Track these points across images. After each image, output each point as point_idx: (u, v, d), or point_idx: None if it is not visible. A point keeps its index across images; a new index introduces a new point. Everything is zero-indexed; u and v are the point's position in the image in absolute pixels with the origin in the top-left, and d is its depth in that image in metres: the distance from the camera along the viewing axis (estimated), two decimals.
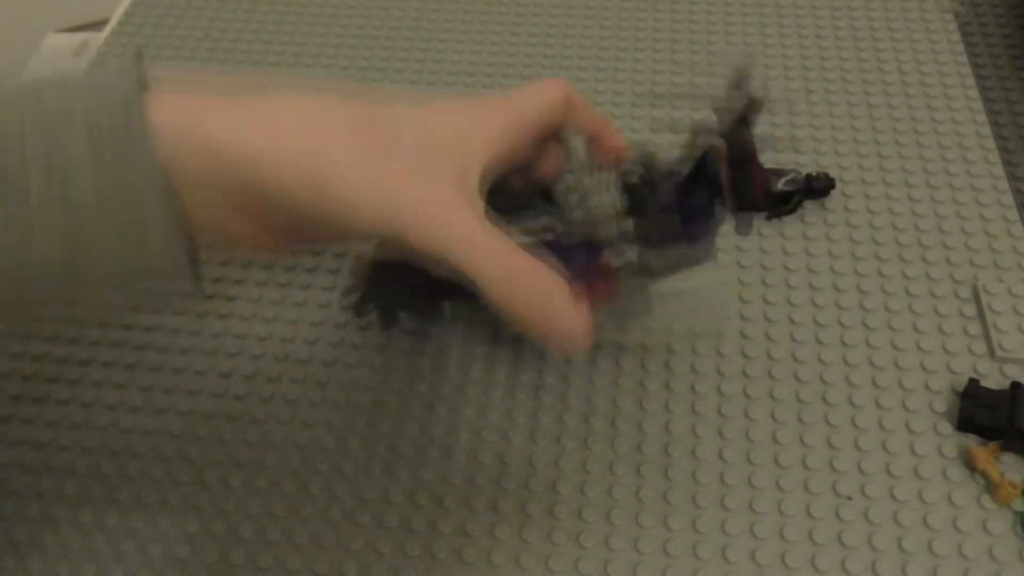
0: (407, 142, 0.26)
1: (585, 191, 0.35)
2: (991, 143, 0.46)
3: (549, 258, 0.27)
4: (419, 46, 0.53)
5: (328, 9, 0.56)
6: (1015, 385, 0.36)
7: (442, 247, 0.26)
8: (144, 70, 0.25)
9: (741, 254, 0.42)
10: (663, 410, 0.37)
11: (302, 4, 0.56)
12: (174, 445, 0.37)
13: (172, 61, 0.53)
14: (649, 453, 0.36)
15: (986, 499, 0.34)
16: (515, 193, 0.33)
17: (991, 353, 0.38)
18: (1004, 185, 0.44)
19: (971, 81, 0.49)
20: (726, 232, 0.43)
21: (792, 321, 0.40)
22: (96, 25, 0.58)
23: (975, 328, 0.39)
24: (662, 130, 0.46)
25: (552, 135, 0.33)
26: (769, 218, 0.43)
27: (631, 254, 0.32)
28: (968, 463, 0.35)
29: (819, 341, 0.39)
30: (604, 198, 0.36)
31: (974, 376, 0.37)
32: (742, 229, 0.31)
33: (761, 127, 0.46)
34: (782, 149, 0.46)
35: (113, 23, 0.56)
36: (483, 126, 0.29)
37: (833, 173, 0.45)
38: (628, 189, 0.32)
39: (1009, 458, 0.35)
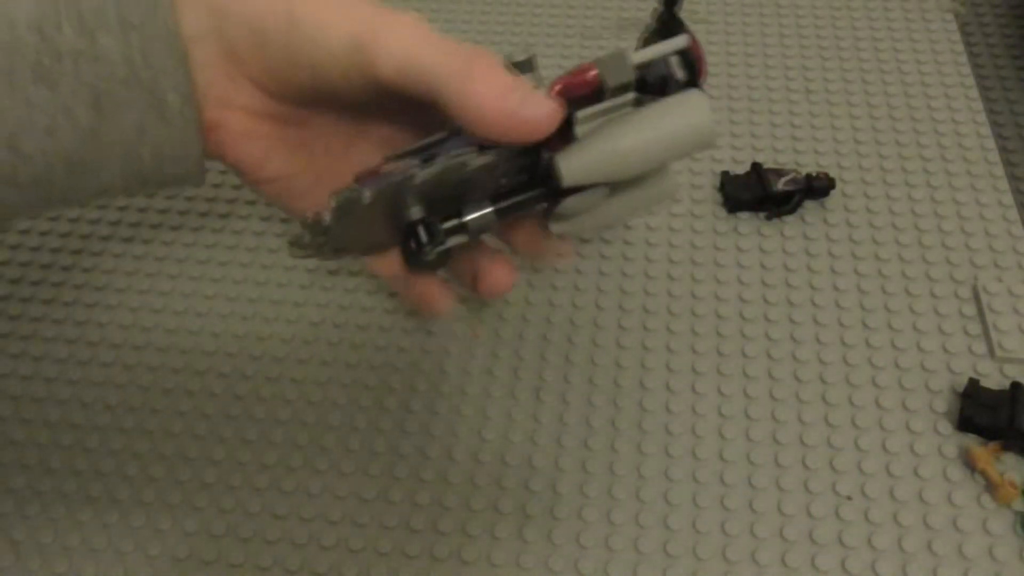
0: None
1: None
2: (991, 143, 0.46)
3: None
4: None
5: None
6: (1015, 385, 0.36)
7: (404, 57, 0.27)
8: None
9: (741, 254, 0.42)
10: (663, 410, 0.37)
11: None
12: (174, 444, 0.37)
13: None
14: (649, 453, 0.36)
15: (986, 499, 0.34)
16: None
17: (991, 353, 0.38)
18: (1004, 185, 0.44)
19: (971, 81, 0.49)
20: (726, 232, 0.43)
21: (792, 321, 0.40)
22: None
23: (975, 328, 0.39)
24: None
25: None
26: (769, 218, 0.43)
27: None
28: (968, 463, 0.35)
29: (819, 341, 0.39)
30: None
31: (974, 376, 0.37)
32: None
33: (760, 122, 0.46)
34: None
35: None
36: None
37: (833, 173, 0.45)
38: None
39: (1009, 458, 0.35)
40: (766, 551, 0.33)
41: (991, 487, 0.34)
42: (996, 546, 0.33)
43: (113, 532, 0.35)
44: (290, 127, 0.30)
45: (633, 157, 0.28)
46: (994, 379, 0.37)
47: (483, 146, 0.28)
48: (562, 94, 0.27)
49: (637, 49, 0.30)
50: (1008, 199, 0.44)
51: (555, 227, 0.31)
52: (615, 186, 0.30)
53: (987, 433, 0.35)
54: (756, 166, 0.44)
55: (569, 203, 0.29)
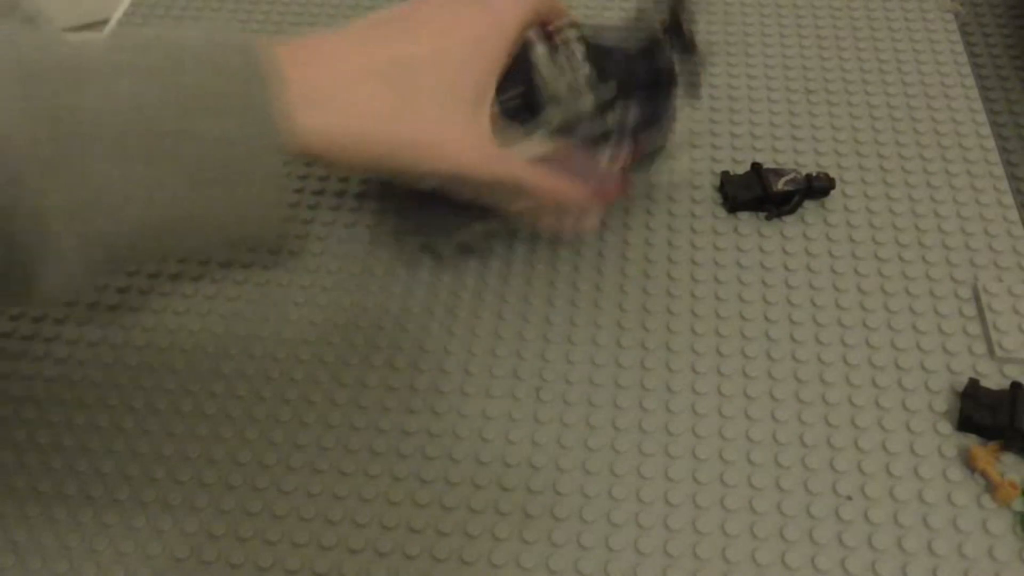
0: (426, 91, 0.32)
1: (558, 82, 0.38)
2: (991, 143, 0.46)
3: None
4: None
5: (328, 9, 0.56)
6: (1015, 385, 0.36)
7: (456, 169, 0.33)
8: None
9: (741, 254, 0.42)
10: (663, 410, 0.37)
11: (302, 5, 0.56)
12: (174, 445, 0.37)
13: None
14: (649, 453, 0.36)
15: (986, 499, 0.34)
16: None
17: (991, 353, 0.38)
18: (1004, 185, 0.44)
19: (971, 81, 0.49)
20: (726, 232, 0.43)
21: (792, 321, 0.40)
22: (96, 25, 0.58)
23: (975, 328, 0.39)
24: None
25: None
26: (769, 218, 0.43)
27: (613, 117, 0.37)
28: (968, 463, 0.35)
29: (819, 341, 0.39)
30: (573, 76, 0.38)
31: (974, 376, 0.37)
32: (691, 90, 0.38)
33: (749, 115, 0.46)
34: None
35: (112, 23, 0.56)
36: (486, 52, 0.33)
37: (833, 173, 0.45)
38: (593, 54, 0.37)
39: (1009, 458, 0.35)
40: (766, 551, 0.33)
41: (991, 487, 0.34)
42: (996, 546, 0.33)
43: (113, 532, 0.35)
44: None
45: None
46: (994, 379, 0.37)
47: None
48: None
49: None
50: (1008, 199, 0.44)
51: None
52: None
53: (987, 433, 0.35)
54: (756, 166, 0.44)
55: None
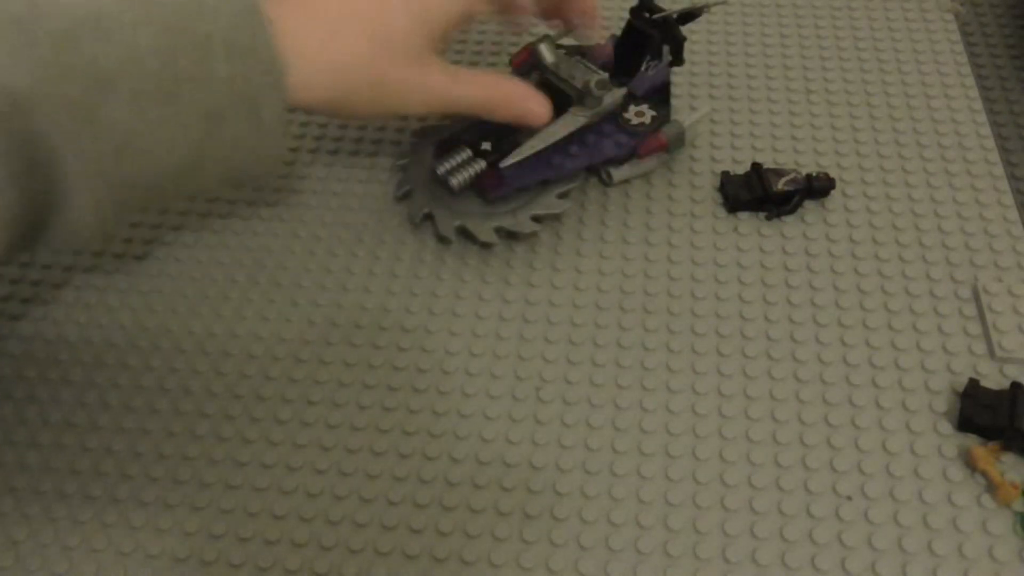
0: (399, 33, 0.35)
1: (571, 73, 0.42)
2: (991, 143, 0.46)
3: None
4: None
5: None
6: (1015, 385, 0.36)
7: (423, 103, 0.37)
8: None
9: (741, 254, 0.42)
10: (663, 410, 0.37)
11: None
12: (174, 444, 0.37)
13: None
14: (649, 453, 0.36)
15: (986, 499, 0.34)
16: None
17: (991, 353, 0.38)
18: (1004, 185, 0.44)
19: (971, 81, 0.49)
20: (726, 232, 0.43)
21: (792, 321, 0.40)
22: None
23: (975, 328, 0.39)
24: None
25: None
26: (769, 218, 0.43)
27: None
28: (968, 463, 0.35)
29: (819, 341, 0.39)
30: (586, 72, 0.42)
31: (974, 376, 0.37)
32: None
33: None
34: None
35: None
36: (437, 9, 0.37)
37: (833, 173, 0.45)
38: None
39: (1009, 458, 0.35)
40: (766, 551, 0.33)
41: (991, 487, 0.34)
42: (996, 546, 0.33)
43: (113, 532, 0.35)
44: None
45: None
46: (994, 379, 0.37)
47: None
48: None
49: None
50: (1008, 199, 0.44)
51: None
52: None
53: (987, 433, 0.35)
54: (756, 166, 0.44)
55: None
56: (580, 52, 0.44)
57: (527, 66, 0.44)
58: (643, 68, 0.42)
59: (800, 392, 0.37)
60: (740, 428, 0.37)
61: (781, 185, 0.43)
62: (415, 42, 0.35)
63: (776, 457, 0.36)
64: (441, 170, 0.41)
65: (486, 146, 0.41)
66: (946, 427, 0.36)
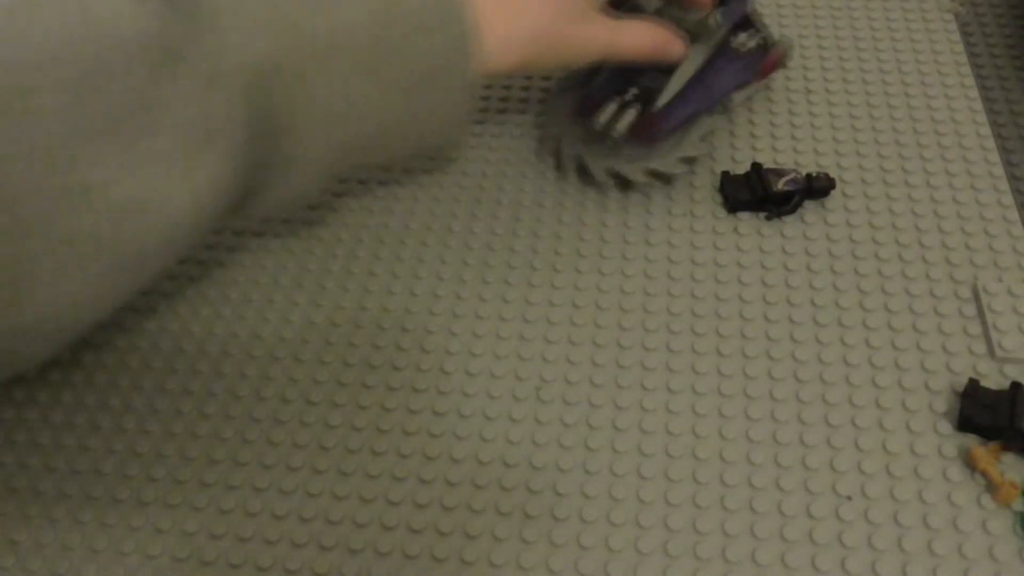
0: (571, 5, 0.39)
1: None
2: (991, 143, 0.46)
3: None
4: None
5: None
6: (1015, 385, 0.36)
7: (596, 52, 0.40)
8: None
9: (741, 254, 0.42)
10: (663, 410, 0.37)
11: None
12: (174, 445, 0.37)
13: None
14: (649, 453, 0.36)
15: (986, 499, 0.34)
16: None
17: (991, 353, 0.38)
18: (1004, 185, 0.44)
19: (971, 81, 0.49)
20: (726, 232, 0.43)
21: (792, 321, 0.40)
22: None
23: (975, 328, 0.39)
24: None
25: None
26: (769, 218, 0.44)
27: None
28: (968, 463, 0.35)
29: (819, 341, 0.39)
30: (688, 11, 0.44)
31: (974, 376, 0.37)
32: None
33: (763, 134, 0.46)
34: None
35: None
36: None
37: (833, 173, 0.45)
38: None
39: (1009, 458, 0.35)
40: (766, 551, 0.33)
41: (991, 487, 0.34)
42: (996, 546, 0.33)
43: (114, 532, 0.35)
44: None
45: None
46: (994, 379, 0.37)
47: None
48: None
49: None
50: (1008, 199, 0.44)
51: None
52: None
53: (987, 433, 0.35)
54: (756, 166, 0.44)
55: None
56: None
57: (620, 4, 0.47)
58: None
59: (800, 392, 0.37)
60: (740, 428, 0.37)
61: (781, 185, 0.43)
62: (582, 4, 0.39)
63: (776, 457, 0.36)
64: (599, 123, 0.43)
65: (632, 92, 0.43)
66: (946, 427, 0.36)
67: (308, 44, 0.31)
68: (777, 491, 0.35)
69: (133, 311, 0.41)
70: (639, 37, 0.41)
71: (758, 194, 0.43)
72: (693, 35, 0.43)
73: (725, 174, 0.45)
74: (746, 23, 0.45)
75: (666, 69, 0.43)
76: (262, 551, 0.34)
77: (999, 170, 0.45)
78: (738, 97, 0.46)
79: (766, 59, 0.46)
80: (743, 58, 0.45)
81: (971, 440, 0.36)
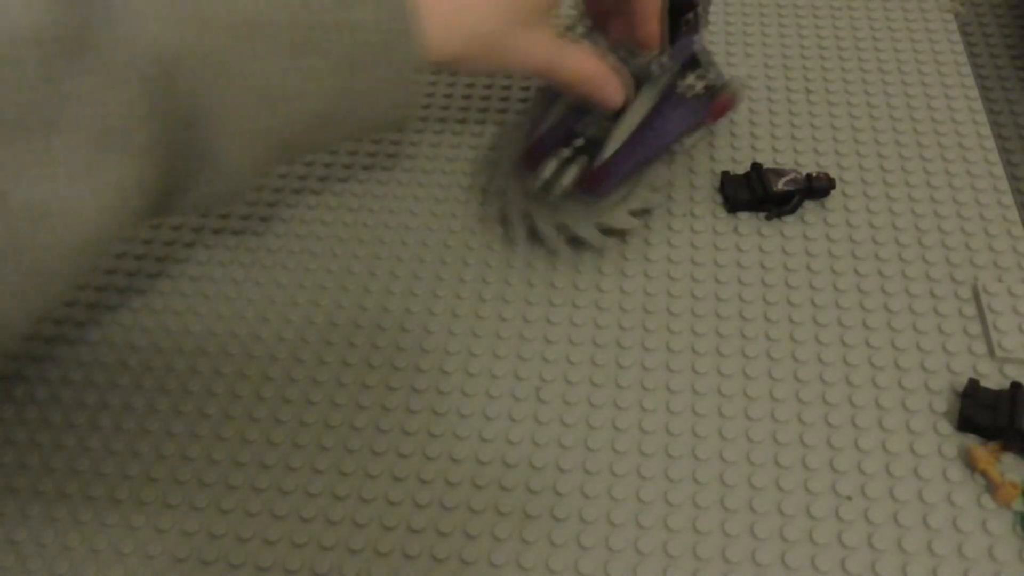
0: (522, 9, 0.37)
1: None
2: (991, 143, 0.46)
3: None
4: None
5: None
6: (1015, 385, 0.36)
7: (537, 65, 0.38)
8: None
9: (741, 254, 0.42)
10: (663, 410, 0.37)
11: None
12: (175, 445, 0.37)
13: None
14: (649, 453, 0.36)
15: (986, 499, 0.34)
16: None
17: (991, 353, 0.38)
18: (1004, 185, 0.44)
19: (971, 81, 0.49)
20: (726, 232, 0.43)
21: (792, 321, 0.40)
22: None
23: (975, 328, 0.39)
24: None
25: None
26: (769, 218, 0.44)
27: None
28: (968, 463, 0.35)
29: (819, 341, 0.39)
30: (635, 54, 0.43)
31: (974, 376, 0.37)
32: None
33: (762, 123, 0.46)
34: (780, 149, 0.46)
35: None
36: None
37: (833, 173, 0.45)
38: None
39: (1009, 458, 0.35)
40: (766, 551, 0.33)
41: (991, 487, 0.34)
42: (996, 546, 0.33)
43: (114, 532, 0.35)
44: None
45: None
46: (994, 379, 0.37)
47: None
48: None
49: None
50: (1008, 199, 0.44)
51: None
52: None
53: (987, 433, 0.35)
54: (756, 166, 0.44)
55: None
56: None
57: None
58: (680, 35, 0.43)
59: (800, 392, 0.37)
60: (740, 428, 0.37)
61: (781, 185, 0.43)
62: (534, 13, 0.38)
63: (776, 457, 0.36)
64: (541, 180, 0.41)
65: (577, 143, 0.42)
66: (946, 427, 0.36)
67: (220, 29, 0.28)
68: (777, 491, 0.35)
69: (132, 311, 0.41)
70: (582, 63, 0.39)
71: (758, 194, 0.43)
72: (639, 80, 0.42)
73: (725, 174, 0.45)
74: (694, 63, 0.42)
75: (612, 116, 0.41)
76: (262, 551, 0.34)
77: (999, 170, 0.45)
78: (689, 141, 0.43)
79: (716, 101, 0.43)
80: (691, 102, 0.42)
81: (971, 440, 0.36)
